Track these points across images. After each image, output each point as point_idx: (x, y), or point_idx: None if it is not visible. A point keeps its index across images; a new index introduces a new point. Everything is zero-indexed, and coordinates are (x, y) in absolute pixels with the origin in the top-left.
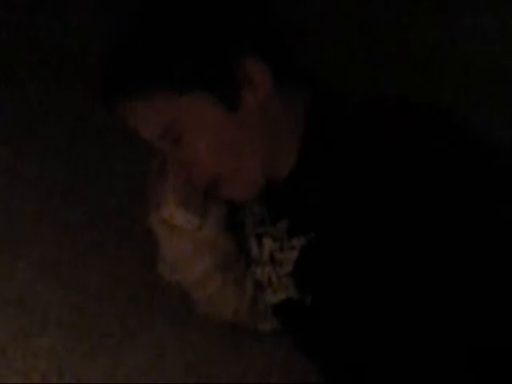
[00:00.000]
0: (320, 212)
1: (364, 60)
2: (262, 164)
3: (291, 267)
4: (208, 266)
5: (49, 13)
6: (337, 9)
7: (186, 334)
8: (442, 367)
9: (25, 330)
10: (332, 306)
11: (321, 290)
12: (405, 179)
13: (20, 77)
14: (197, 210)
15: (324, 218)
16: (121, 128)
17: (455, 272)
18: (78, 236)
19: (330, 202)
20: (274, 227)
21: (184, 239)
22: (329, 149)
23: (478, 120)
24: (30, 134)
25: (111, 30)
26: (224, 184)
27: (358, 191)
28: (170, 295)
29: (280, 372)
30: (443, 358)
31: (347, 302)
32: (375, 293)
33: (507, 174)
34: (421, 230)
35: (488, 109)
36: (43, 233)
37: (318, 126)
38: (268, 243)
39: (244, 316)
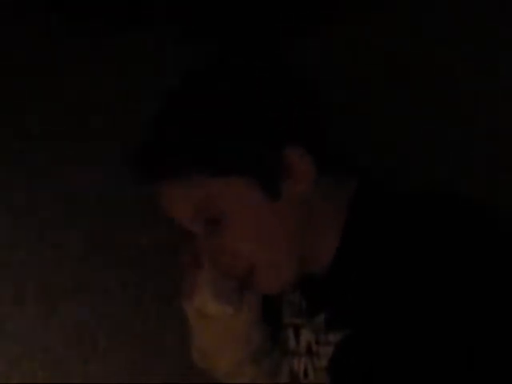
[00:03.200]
0: (357, 308)
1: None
2: (299, 257)
3: (327, 362)
4: (240, 357)
5: None
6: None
7: None
8: None
9: None
10: None
11: None
12: (447, 281)
13: None
14: (230, 300)
15: (361, 316)
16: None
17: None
18: None
19: (367, 299)
20: (312, 320)
21: (217, 328)
22: (369, 244)
23: None
24: None
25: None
26: (258, 276)
27: (396, 291)
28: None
29: None
30: None
31: None
32: None
33: None
34: (468, 336)
35: None
36: None
37: (359, 220)
38: (305, 335)
39: None
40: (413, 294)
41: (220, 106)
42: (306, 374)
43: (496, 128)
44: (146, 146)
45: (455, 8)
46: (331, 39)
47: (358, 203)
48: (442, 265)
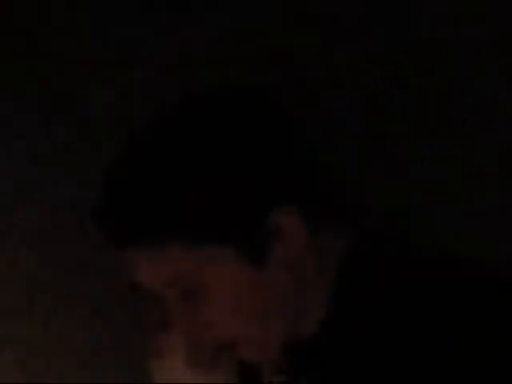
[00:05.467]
0: (345, 379)
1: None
2: (285, 326)
3: None
4: None
5: None
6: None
7: None
8: None
9: None
10: None
11: None
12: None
13: None
14: (203, 366)
15: None
16: None
17: None
18: None
19: (354, 371)
20: (294, 382)
21: None
22: (360, 310)
23: None
24: None
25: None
26: (240, 348)
27: (384, 367)
28: None
29: None
30: None
31: None
32: None
33: None
34: None
35: None
36: None
37: (349, 283)
38: None
39: None
40: (405, 371)
41: (195, 161)
42: None
43: None
44: (110, 200)
45: None
46: None
47: (347, 266)
48: (442, 344)
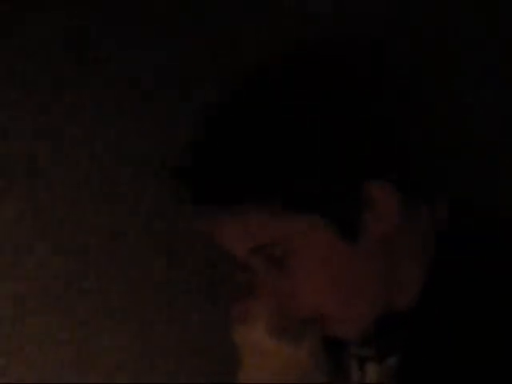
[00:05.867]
0: (437, 362)
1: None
2: (377, 301)
3: None
4: None
5: None
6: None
7: None
8: None
9: None
10: None
11: None
12: None
13: None
14: (289, 336)
15: (441, 373)
16: None
17: None
18: None
19: (449, 353)
20: (382, 360)
21: (274, 366)
22: (460, 287)
23: None
24: None
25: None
26: (328, 322)
27: (485, 351)
28: None
29: None
30: None
31: None
32: None
33: None
34: None
35: None
36: None
37: (449, 256)
38: (372, 370)
39: None
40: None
41: (291, 127)
42: None
43: None
44: (198, 162)
45: None
46: None
47: (446, 236)
48: None
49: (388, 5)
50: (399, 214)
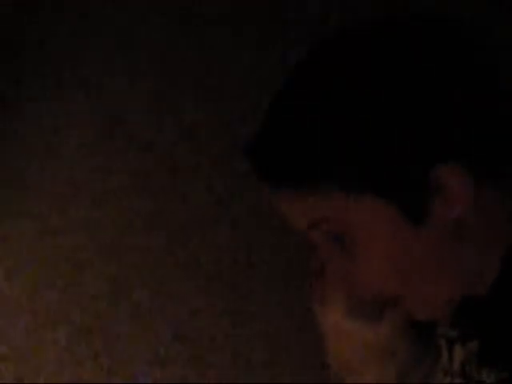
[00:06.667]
0: None
1: None
2: (448, 285)
3: None
4: (386, 371)
5: None
6: None
7: None
8: None
9: None
10: None
11: None
12: None
13: None
14: (368, 315)
15: None
16: None
17: None
18: None
19: None
20: (464, 343)
21: (357, 343)
22: None
23: None
24: None
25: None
26: (403, 304)
27: None
28: None
29: None
30: None
31: None
32: None
33: None
34: None
35: None
36: None
37: None
38: (460, 353)
39: None
40: None
41: (365, 106)
42: None
43: None
44: (264, 143)
45: None
46: None
47: None
48: None
49: None
50: (469, 199)
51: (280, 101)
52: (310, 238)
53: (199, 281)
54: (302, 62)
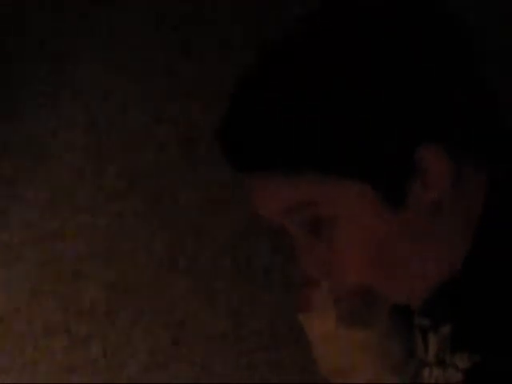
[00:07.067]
0: (488, 329)
1: None
2: (429, 268)
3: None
4: (379, 371)
5: None
6: None
7: None
8: None
9: None
10: None
11: None
12: None
13: None
14: (358, 318)
15: (492, 340)
16: None
17: None
18: None
19: (499, 320)
20: (437, 328)
21: (348, 347)
22: (505, 256)
23: None
24: None
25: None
26: (381, 292)
27: None
28: None
29: None
30: None
31: None
32: None
33: None
34: None
35: None
36: None
37: (497, 221)
38: (433, 340)
39: None
40: None
41: (340, 84)
42: None
43: None
44: (234, 126)
45: None
46: None
47: (496, 198)
48: None
49: None
50: (449, 183)
51: (250, 82)
52: (283, 227)
53: (198, 285)
54: (276, 40)
